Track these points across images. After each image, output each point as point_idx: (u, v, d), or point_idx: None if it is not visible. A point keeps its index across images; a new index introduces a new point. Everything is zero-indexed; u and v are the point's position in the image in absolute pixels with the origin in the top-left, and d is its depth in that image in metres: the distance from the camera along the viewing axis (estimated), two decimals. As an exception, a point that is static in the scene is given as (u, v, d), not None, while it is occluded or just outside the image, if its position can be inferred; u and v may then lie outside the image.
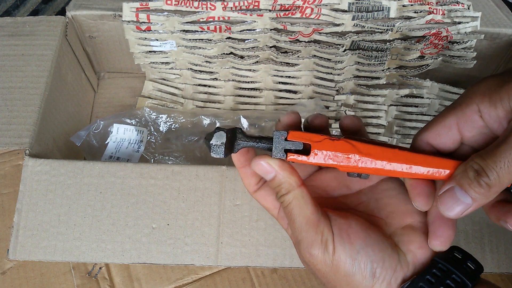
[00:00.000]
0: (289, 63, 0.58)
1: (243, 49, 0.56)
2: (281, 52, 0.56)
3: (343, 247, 0.27)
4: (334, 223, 0.28)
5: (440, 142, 0.28)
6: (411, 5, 0.53)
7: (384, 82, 0.61)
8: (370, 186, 0.32)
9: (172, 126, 0.59)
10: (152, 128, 0.58)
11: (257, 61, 0.58)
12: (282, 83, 0.62)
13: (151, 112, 0.58)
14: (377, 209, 0.31)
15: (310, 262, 0.28)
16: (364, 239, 0.27)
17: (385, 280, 0.27)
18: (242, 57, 0.57)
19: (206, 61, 0.58)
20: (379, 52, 0.55)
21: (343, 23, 0.53)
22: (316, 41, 0.55)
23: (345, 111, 0.61)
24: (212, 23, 0.53)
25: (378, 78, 0.60)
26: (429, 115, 0.62)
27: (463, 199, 0.25)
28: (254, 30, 0.54)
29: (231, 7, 0.52)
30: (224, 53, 0.57)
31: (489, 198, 0.24)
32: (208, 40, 0.55)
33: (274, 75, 0.60)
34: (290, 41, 0.54)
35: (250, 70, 0.60)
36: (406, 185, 0.29)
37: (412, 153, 0.28)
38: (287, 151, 0.28)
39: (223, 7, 0.52)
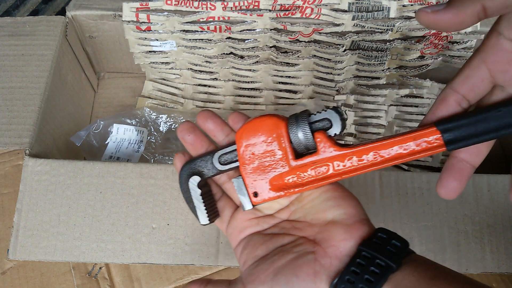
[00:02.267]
0: (289, 63, 0.58)
1: (243, 49, 0.56)
2: (281, 52, 0.56)
3: None
4: (245, 277, 0.30)
5: (471, 86, 0.26)
6: (411, 5, 0.53)
7: (384, 82, 0.61)
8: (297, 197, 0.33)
9: (172, 126, 0.59)
10: (152, 128, 0.58)
11: (257, 61, 0.58)
12: (282, 83, 0.62)
13: (151, 112, 0.58)
14: (303, 215, 0.32)
15: None
16: (272, 271, 0.29)
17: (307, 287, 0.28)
18: (242, 57, 0.57)
19: (206, 61, 0.58)
20: (379, 52, 0.55)
21: (343, 23, 0.53)
22: (316, 41, 0.55)
23: (345, 111, 0.61)
24: (212, 23, 0.53)
25: (378, 78, 0.60)
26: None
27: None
28: (254, 30, 0.54)
29: (231, 7, 0.52)
30: (224, 53, 0.57)
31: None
32: (208, 40, 0.55)
33: (274, 75, 0.60)
34: (290, 41, 0.54)
35: (250, 70, 0.60)
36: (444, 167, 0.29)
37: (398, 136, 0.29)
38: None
39: (223, 7, 0.52)
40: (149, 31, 0.54)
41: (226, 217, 0.35)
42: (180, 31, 0.54)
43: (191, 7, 0.52)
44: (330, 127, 0.30)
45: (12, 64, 0.49)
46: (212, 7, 0.52)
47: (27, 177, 0.42)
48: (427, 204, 0.43)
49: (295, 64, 0.58)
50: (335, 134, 0.30)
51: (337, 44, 0.54)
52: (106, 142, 0.55)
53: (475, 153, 0.27)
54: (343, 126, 0.30)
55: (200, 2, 0.52)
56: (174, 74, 0.62)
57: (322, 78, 0.60)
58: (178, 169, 0.35)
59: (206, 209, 0.34)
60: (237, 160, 0.33)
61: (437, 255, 0.41)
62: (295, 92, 0.62)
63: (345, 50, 0.55)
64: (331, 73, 0.59)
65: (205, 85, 0.63)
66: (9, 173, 0.46)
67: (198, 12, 0.52)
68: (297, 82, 0.61)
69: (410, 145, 0.28)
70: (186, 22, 0.53)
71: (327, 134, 0.30)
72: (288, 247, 0.31)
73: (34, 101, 0.47)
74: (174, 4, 0.52)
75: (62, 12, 0.56)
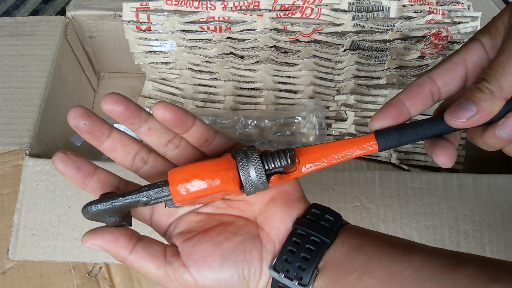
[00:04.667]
0: (289, 63, 0.58)
1: (243, 49, 0.56)
2: (281, 52, 0.56)
3: (202, 274, 0.27)
4: (186, 257, 0.28)
5: (448, 80, 0.27)
6: (411, 5, 0.53)
7: (384, 82, 0.61)
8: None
9: (172, 126, 0.59)
10: (152, 128, 0.58)
11: (257, 61, 0.58)
12: (282, 83, 0.62)
13: (151, 112, 0.58)
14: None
15: None
16: (220, 254, 0.28)
17: (256, 272, 0.28)
18: (242, 57, 0.57)
19: (206, 61, 0.58)
20: (379, 52, 0.55)
21: (343, 23, 0.53)
22: (316, 41, 0.55)
23: (345, 111, 0.61)
24: (212, 23, 0.53)
25: (378, 78, 0.60)
26: (429, 115, 0.61)
27: (469, 106, 0.26)
28: (254, 30, 0.54)
29: (231, 7, 0.52)
30: (224, 53, 0.57)
31: (493, 104, 0.25)
32: (208, 40, 0.55)
33: (274, 75, 0.60)
34: (290, 41, 0.54)
35: (250, 70, 0.60)
36: (426, 148, 0.30)
37: (340, 145, 0.28)
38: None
39: (223, 7, 0.52)
40: (149, 31, 0.54)
41: (147, 210, 0.32)
42: (180, 31, 0.54)
43: (191, 7, 0.52)
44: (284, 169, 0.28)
45: (12, 64, 0.49)
46: (212, 7, 0.52)
47: (27, 177, 0.42)
48: (427, 204, 0.43)
49: (295, 64, 0.58)
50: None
51: (337, 44, 0.54)
52: (106, 142, 0.55)
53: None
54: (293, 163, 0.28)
55: (200, 2, 0.52)
56: (174, 74, 0.62)
57: (322, 78, 0.60)
58: (61, 171, 0.29)
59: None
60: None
61: (437, 255, 0.41)
62: (295, 92, 0.62)
63: (345, 50, 0.55)
64: (331, 73, 0.59)
65: (205, 85, 0.63)
66: (9, 173, 0.46)
67: (198, 12, 0.52)
68: (297, 82, 0.61)
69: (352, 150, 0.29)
70: (186, 22, 0.53)
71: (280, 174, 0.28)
72: (231, 228, 0.29)
73: (34, 101, 0.47)
74: (174, 4, 0.52)
75: (62, 12, 0.56)
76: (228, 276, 0.27)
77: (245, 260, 0.28)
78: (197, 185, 0.26)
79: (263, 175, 0.26)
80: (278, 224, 0.29)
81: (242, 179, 0.26)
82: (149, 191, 0.27)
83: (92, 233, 0.28)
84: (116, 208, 0.27)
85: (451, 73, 0.27)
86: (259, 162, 0.26)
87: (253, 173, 0.26)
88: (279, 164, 0.27)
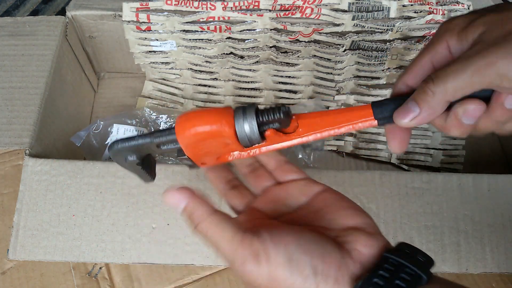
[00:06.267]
0: (289, 63, 0.58)
1: (243, 49, 0.56)
2: (281, 52, 0.56)
3: (276, 251, 0.26)
4: (263, 233, 0.27)
5: (418, 81, 0.29)
6: (411, 5, 0.53)
7: (384, 82, 0.61)
8: (307, 201, 0.32)
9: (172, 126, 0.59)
10: (152, 128, 0.58)
11: (257, 61, 0.58)
12: (282, 83, 0.62)
13: (151, 112, 0.58)
14: (317, 220, 0.31)
15: (250, 281, 0.26)
16: (298, 239, 0.27)
17: (330, 276, 0.26)
18: (242, 57, 0.57)
19: (206, 61, 0.58)
20: (379, 52, 0.55)
21: (343, 23, 0.53)
22: (316, 41, 0.55)
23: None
24: (212, 23, 0.53)
25: (378, 78, 0.60)
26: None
27: (413, 107, 0.27)
28: (254, 30, 0.54)
29: (231, 7, 0.52)
30: (224, 53, 0.57)
31: (435, 106, 0.26)
32: (208, 40, 0.55)
33: (274, 75, 0.60)
34: (290, 41, 0.54)
35: (250, 70, 0.60)
36: (385, 131, 0.31)
37: (338, 112, 0.30)
38: None
39: (223, 7, 0.52)
40: (149, 31, 0.54)
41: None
42: (180, 31, 0.54)
43: (191, 7, 0.52)
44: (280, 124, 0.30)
45: (12, 64, 0.49)
46: (212, 7, 0.52)
47: (27, 177, 0.42)
48: (427, 204, 0.43)
49: (295, 64, 0.58)
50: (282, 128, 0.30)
51: (337, 44, 0.54)
52: (106, 142, 0.55)
53: None
54: (290, 119, 0.30)
55: (200, 2, 0.52)
56: (174, 74, 0.62)
57: (322, 78, 0.60)
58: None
59: (148, 173, 0.34)
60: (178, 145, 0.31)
61: (437, 255, 0.41)
62: (295, 92, 0.62)
63: (345, 50, 0.55)
64: (331, 73, 0.59)
65: (205, 85, 0.63)
66: (9, 173, 0.46)
67: (198, 12, 0.52)
68: (297, 82, 0.61)
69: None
70: (186, 22, 0.53)
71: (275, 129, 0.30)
72: (313, 226, 0.29)
73: (34, 101, 0.47)
74: (174, 4, 0.52)
75: (62, 12, 0.56)
76: (300, 262, 0.26)
77: (322, 256, 0.26)
78: (197, 126, 0.29)
79: (254, 125, 0.28)
80: (361, 247, 0.28)
81: (236, 127, 0.28)
82: (160, 133, 0.30)
83: (176, 189, 0.29)
84: (134, 147, 0.31)
85: (420, 76, 0.29)
86: (253, 114, 0.28)
87: (246, 124, 0.28)
88: (272, 118, 0.28)
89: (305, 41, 0.55)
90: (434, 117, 0.27)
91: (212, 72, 0.61)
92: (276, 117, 0.28)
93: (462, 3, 0.54)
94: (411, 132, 0.32)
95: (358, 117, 0.29)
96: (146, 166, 0.33)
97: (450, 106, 0.27)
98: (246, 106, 0.29)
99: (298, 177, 0.33)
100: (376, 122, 0.29)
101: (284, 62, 0.58)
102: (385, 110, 0.29)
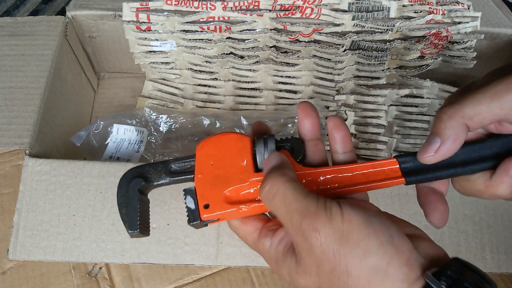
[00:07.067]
0: (289, 63, 0.58)
1: (243, 49, 0.56)
2: (281, 52, 0.56)
3: (355, 212, 0.24)
4: (339, 199, 0.26)
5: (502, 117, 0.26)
6: (411, 5, 0.53)
7: (384, 82, 0.61)
8: None
9: (172, 126, 0.59)
10: (152, 128, 0.58)
11: (257, 61, 0.58)
12: (282, 83, 0.62)
13: (151, 112, 0.58)
14: None
15: (316, 243, 0.24)
16: (375, 212, 0.26)
17: (403, 253, 0.23)
18: (242, 57, 0.57)
19: (206, 61, 0.58)
20: (379, 52, 0.55)
21: (343, 23, 0.53)
22: (316, 41, 0.55)
23: (345, 111, 0.61)
24: (212, 23, 0.53)
25: (378, 78, 0.60)
26: (429, 115, 0.62)
27: (433, 139, 0.26)
28: (254, 30, 0.54)
29: (231, 7, 0.52)
30: (224, 53, 0.57)
31: (455, 130, 0.25)
32: (208, 40, 0.55)
33: (274, 75, 0.60)
34: (290, 41, 0.54)
35: (250, 70, 0.60)
36: (419, 202, 0.29)
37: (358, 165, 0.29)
38: None
39: (223, 7, 0.52)
40: (149, 31, 0.54)
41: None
42: (180, 31, 0.54)
43: (191, 7, 0.52)
44: (292, 152, 0.30)
45: (12, 64, 0.49)
46: (212, 7, 0.52)
47: (27, 177, 0.42)
48: (427, 204, 0.43)
49: (295, 64, 0.58)
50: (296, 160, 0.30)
51: (337, 44, 0.54)
52: (106, 142, 0.55)
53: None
54: (304, 156, 0.30)
55: (200, 2, 0.52)
56: (174, 74, 0.62)
57: (322, 78, 0.60)
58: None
59: (139, 218, 0.30)
60: (190, 171, 0.30)
61: (437, 255, 0.41)
62: (295, 92, 0.62)
63: (345, 50, 0.55)
64: (331, 73, 0.59)
65: (205, 85, 0.63)
66: (9, 173, 0.46)
67: (198, 12, 0.52)
68: (297, 82, 0.61)
69: (370, 171, 0.29)
70: (186, 22, 0.53)
71: (290, 155, 0.30)
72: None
73: (34, 101, 0.47)
74: (174, 4, 0.52)
75: (62, 12, 0.56)
76: (377, 225, 0.24)
77: (398, 230, 0.24)
78: (219, 135, 0.30)
79: (271, 139, 0.29)
80: (427, 248, 0.26)
81: (253, 139, 0.30)
82: (180, 160, 0.31)
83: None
84: (145, 170, 0.32)
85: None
86: (272, 137, 0.30)
87: (262, 139, 0.30)
88: (286, 142, 0.30)
89: (305, 41, 0.55)
90: (458, 145, 0.26)
91: (212, 72, 0.61)
92: (289, 139, 0.30)
93: (462, 3, 0.54)
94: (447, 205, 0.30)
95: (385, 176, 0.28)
96: (143, 206, 0.32)
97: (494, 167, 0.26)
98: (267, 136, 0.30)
99: (358, 197, 0.32)
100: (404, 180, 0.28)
101: (284, 62, 0.58)
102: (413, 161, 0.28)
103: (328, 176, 0.29)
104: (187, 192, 0.29)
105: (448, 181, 0.30)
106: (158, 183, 0.31)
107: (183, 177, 0.31)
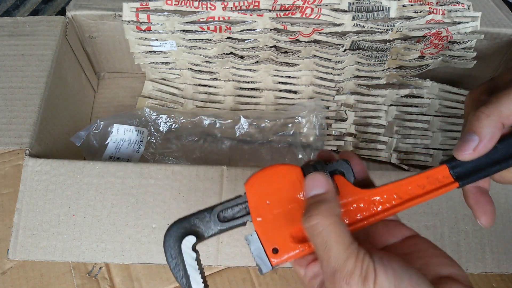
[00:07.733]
0: (289, 63, 0.58)
1: (243, 49, 0.56)
2: (281, 52, 0.56)
3: (386, 275, 0.25)
4: (373, 252, 0.26)
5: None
6: (411, 5, 0.53)
7: (384, 82, 0.61)
8: (395, 242, 0.31)
9: (172, 126, 0.59)
10: (152, 128, 0.58)
11: (257, 61, 0.58)
12: (282, 83, 0.62)
13: (151, 112, 0.58)
14: (409, 262, 0.29)
15: None
16: (407, 267, 0.26)
17: None
18: (242, 57, 0.57)
19: (206, 61, 0.58)
20: (379, 52, 0.55)
21: (343, 23, 0.53)
22: (316, 41, 0.55)
23: (345, 111, 0.61)
24: (212, 23, 0.53)
25: (378, 78, 0.60)
26: (429, 115, 0.62)
27: (470, 137, 0.27)
28: (254, 30, 0.54)
29: (231, 7, 0.52)
30: (224, 53, 0.57)
31: (492, 128, 0.26)
32: (208, 40, 0.55)
33: (274, 75, 0.60)
34: (290, 41, 0.54)
35: (250, 70, 0.60)
36: (469, 204, 0.30)
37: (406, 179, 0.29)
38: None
39: (223, 7, 0.52)
40: (149, 31, 0.54)
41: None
42: (180, 31, 0.54)
43: (191, 7, 0.52)
44: (343, 175, 0.29)
45: (12, 64, 0.49)
46: (212, 7, 0.52)
47: (27, 177, 0.42)
48: (427, 204, 0.43)
49: (295, 64, 0.58)
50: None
51: (337, 44, 0.54)
52: (106, 142, 0.55)
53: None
54: (354, 176, 0.29)
55: (200, 2, 0.52)
56: (174, 74, 0.62)
57: (322, 78, 0.60)
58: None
59: (202, 278, 0.29)
60: (242, 216, 0.29)
61: (437, 255, 0.41)
62: (295, 92, 0.62)
63: (345, 50, 0.55)
64: (331, 73, 0.59)
65: (205, 85, 0.63)
66: (9, 173, 0.46)
67: (198, 12, 0.52)
68: (297, 82, 0.61)
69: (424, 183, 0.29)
70: (186, 22, 0.53)
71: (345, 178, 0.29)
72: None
73: (34, 101, 0.47)
74: (174, 4, 0.52)
75: (62, 12, 0.56)
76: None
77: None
78: (265, 169, 0.28)
79: (321, 163, 0.28)
80: None
81: (302, 168, 0.28)
82: (226, 201, 0.29)
83: (322, 174, 0.28)
84: (191, 222, 0.29)
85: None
86: (321, 161, 0.29)
87: (312, 166, 0.28)
88: (334, 166, 0.29)
89: (305, 41, 0.55)
90: (494, 143, 0.27)
91: (212, 72, 0.61)
92: (337, 166, 0.29)
93: (462, 3, 0.54)
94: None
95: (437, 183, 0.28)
96: (200, 264, 0.29)
97: None
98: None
99: (388, 218, 0.32)
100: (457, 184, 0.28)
101: (284, 62, 0.58)
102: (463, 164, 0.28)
103: (385, 196, 0.29)
104: (250, 240, 0.28)
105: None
106: (209, 235, 0.29)
107: (235, 223, 0.29)
